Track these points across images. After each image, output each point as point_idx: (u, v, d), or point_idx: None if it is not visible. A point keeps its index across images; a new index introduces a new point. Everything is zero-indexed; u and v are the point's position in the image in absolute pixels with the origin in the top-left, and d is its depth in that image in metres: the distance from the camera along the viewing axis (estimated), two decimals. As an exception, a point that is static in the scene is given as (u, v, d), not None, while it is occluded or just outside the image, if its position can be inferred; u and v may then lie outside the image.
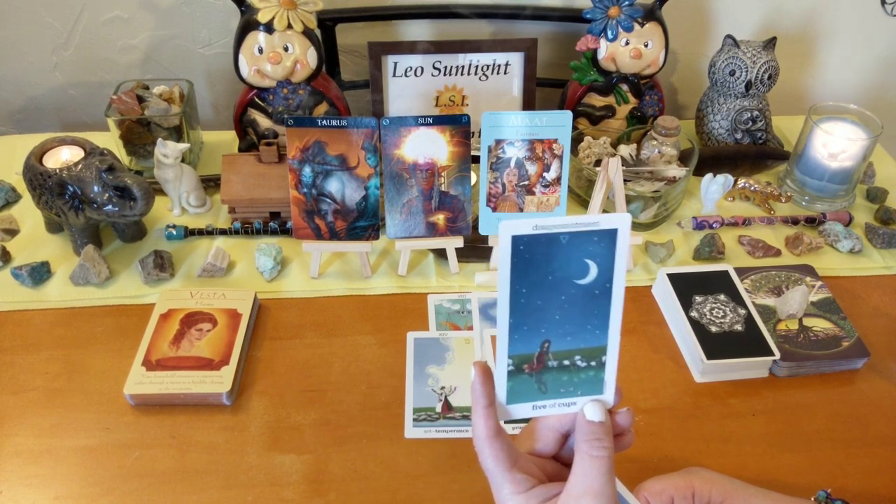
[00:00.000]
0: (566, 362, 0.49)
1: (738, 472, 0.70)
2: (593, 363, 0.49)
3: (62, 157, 0.89)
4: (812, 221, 1.01)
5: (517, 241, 0.45)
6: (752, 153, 1.10)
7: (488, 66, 1.09)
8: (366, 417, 0.75)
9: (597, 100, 1.09)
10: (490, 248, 0.91)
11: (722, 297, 0.86)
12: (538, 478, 0.48)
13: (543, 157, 0.87)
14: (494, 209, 0.89)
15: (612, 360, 0.49)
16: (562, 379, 0.49)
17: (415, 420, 0.75)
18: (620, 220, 0.46)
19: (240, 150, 1.07)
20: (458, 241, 0.90)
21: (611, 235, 0.46)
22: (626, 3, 1.01)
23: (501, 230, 0.44)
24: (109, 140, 1.00)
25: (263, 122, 1.04)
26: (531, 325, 0.48)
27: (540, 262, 0.46)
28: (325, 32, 1.07)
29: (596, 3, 1.02)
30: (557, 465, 0.51)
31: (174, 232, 0.95)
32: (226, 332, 0.81)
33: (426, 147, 0.86)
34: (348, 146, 0.86)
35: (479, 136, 0.86)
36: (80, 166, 0.85)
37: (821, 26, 1.22)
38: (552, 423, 0.51)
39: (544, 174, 0.88)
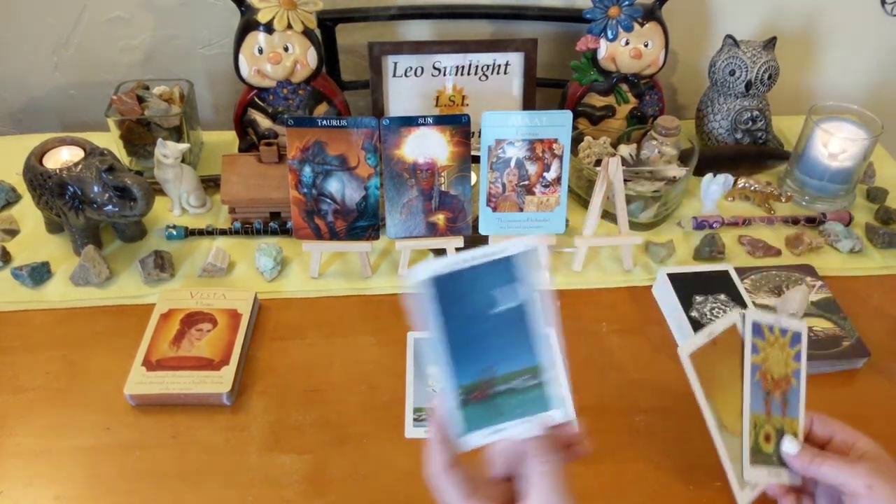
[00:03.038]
0: (511, 385, 0.50)
1: (739, 472, 0.70)
2: (537, 381, 0.51)
3: (62, 158, 0.89)
4: (812, 221, 1.01)
5: (431, 283, 0.47)
6: (752, 153, 1.10)
7: (488, 67, 1.09)
8: (366, 417, 0.75)
9: (597, 100, 1.09)
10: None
11: (722, 297, 0.86)
12: (500, 501, 0.49)
13: (543, 156, 0.87)
14: (494, 209, 0.89)
15: (555, 374, 0.51)
16: (511, 401, 0.50)
17: (415, 420, 0.75)
18: (524, 244, 0.48)
19: (240, 150, 1.07)
20: (459, 241, 0.90)
21: (519, 260, 0.49)
22: (626, 2, 1.01)
23: (413, 276, 0.47)
24: (110, 140, 1.00)
25: (263, 122, 1.04)
26: (468, 356, 0.49)
27: (458, 297, 0.48)
28: (325, 32, 1.07)
29: (596, 3, 1.02)
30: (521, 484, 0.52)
31: (174, 232, 0.95)
32: (226, 332, 0.81)
33: (426, 147, 0.86)
34: (348, 146, 0.86)
35: (479, 136, 0.86)
36: (80, 166, 0.85)
37: (821, 26, 1.22)
38: (499, 446, 0.51)
39: (544, 174, 0.88)
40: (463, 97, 1.11)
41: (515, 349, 0.50)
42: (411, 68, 1.07)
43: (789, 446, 0.61)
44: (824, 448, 0.62)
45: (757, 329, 0.64)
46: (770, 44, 1.06)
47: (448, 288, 0.48)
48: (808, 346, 0.81)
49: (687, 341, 0.62)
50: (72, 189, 0.85)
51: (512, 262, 0.49)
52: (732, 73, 1.06)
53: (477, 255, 0.48)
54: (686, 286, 0.87)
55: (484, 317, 0.49)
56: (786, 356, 0.65)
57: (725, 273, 0.89)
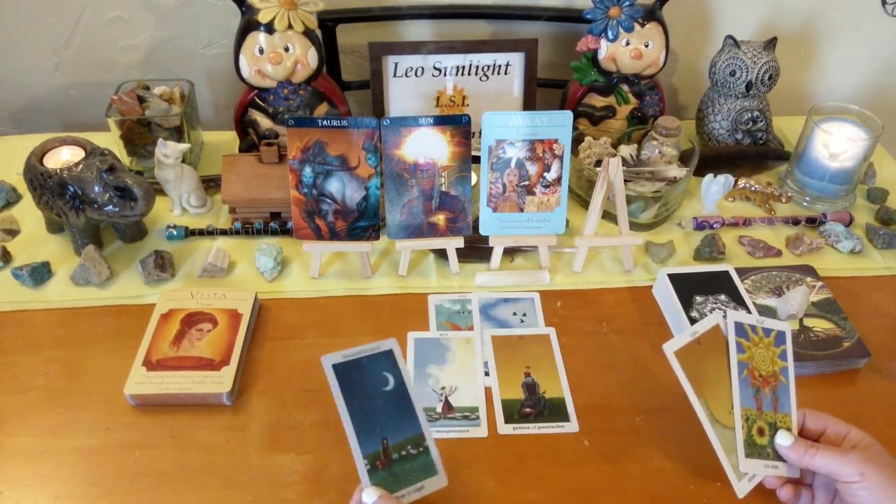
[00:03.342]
0: (403, 452, 0.63)
1: (739, 473, 0.70)
2: (421, 449, 0.64)
3: (63, 158, 0.89)
4: (812, 222, 1.01)
5: (336, 368, 0.63)
6: (752, 153, 1.10)
7: (489, 67, 1.09)
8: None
9: (597, 100, 1.09)
10: (490, 249, 0.91)
11: (722, 297, 0.86)
12: None
13: (544, 157, 0.87)
14: (495, 209, 0.89)
15: (432, 444, 0.64)
16: (406, 468, 0.63)
17: (415, 420, 0.76)
18: (391, 343, 0.66)
19: (240, 150, 1.07)
20: (459, 242, 0.90)
21: (390, 353, 0.66)
22: (627, 3, 1.01)
23: (324, 363, 0.62)
24: (110, 140, 1.00)
25: (264, 122, 1.04)
26: (370, 429, 0.63)
27: (356, 379, 0.64)
28: (325, 33, 1.07)
29: (597, 3, 1.02)
30: None
31: (175, 232, 0.95)
32: (226, 332, 0.81)
33: (427, 147, 0.86)
34: (349, 146, 0.86)
35: (480, 137, 0.86)
36: (80, 166, 0.85)
37: (821, 26, 1.22)
38: None
39: (545, 174, 0.88)
40: (463, 97, 1.11)
41: (400, 421, 0.64)
42: (412, 68, 1.07)
43: (783, 439, 0.64)
44: (817, 441, 0.64)
45: (740, 329, 0.67)
46: (770, 44, 1.06)
47: (347, 372, 0.64)
48: (808, 347, 0.82)
49: (672, 339, 0.65)
50: (72, 189, 0.85)
51: (386, 355, 0.66)
52: (733, 73, 1.06)
53: (363, 350, 0.65)
54: (686, 286, 0.87)
55: (375, 396, 0.64)
56: (771, 355, 0.67)
57: (726, 273, 0.89)
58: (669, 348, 0.66)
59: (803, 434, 0.65)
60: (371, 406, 0.64)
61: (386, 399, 0.65)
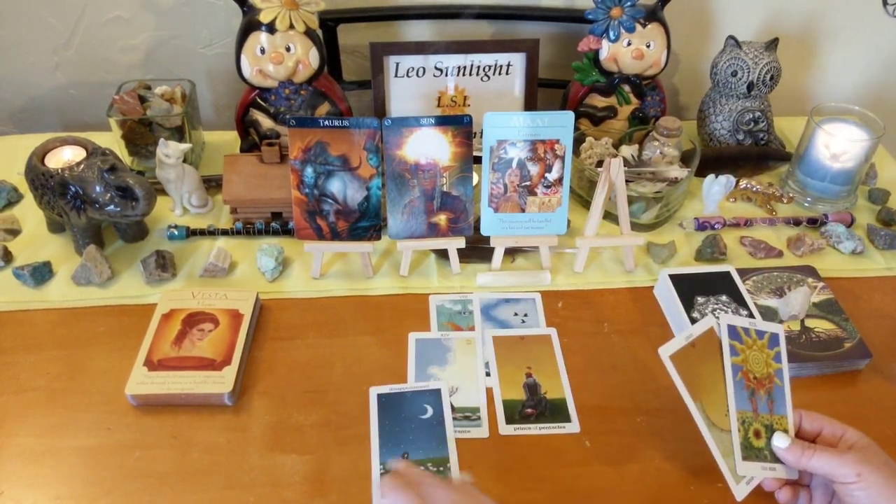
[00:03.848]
0: (422, 468, 0.66)
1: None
2: (441, 469, 0.69)
3: (64, 157, 0.89)
4: (814, 222, 1.00)
5: (379, 396, 0.76)
6: (753, 154, 1.10)
7: (490, 67, 1.09)
8: (367, 418, 0.75)
9: (598, 100, 1.09)
10: (492, 249, 0.91)
11: (724, 298, 0.86)
12: None
13: (545, 157, 0.87)
14: (496, 210, 0.89)
15: (455, 468, 0.70)
16: None
17: (416, 421, 0.77)
18: (441, 384, 0.77)
19: (241, 150, 1.07)
20: (460, 242, 0.90)
21: (437, 392, 0.76)
22: (629, 3, 1.01)
23: (371, 393, 0.76)
24: (111, 140, 1.00)
25: (265, 122, 1.04)
26: (394, 442, 0.72)
27: (395, 405, 0.75)
28: (326, 33, 1.07)
29: (598, 3, 1.02)
30: None
31: (176, 232, 0.95)
32: (227, 332, 0.81)
33: (428, 147, 0.86)
34: (350, 146, 0.86)
35: (481, 137, 0.86)
36: (81, 166, 0.85)
37: (823, 27, 1.22)
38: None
39: (546, 175, 0.88)
40: (465, 98, 1.11)
41: (427, 443, 0.72)
42: (413, 69, 1.07)
43: (779, 441, 0.64)
44: (814, 442, 0.64)
45: (733, 332, 0.67)
46: (772, 45, 1.06)
47: (389, 400, 0.75)
48: (810, 348, 0.82)
49: (667, 343, 0.66)
50: (73, 189, 0.85)
51: (432, 392, 0.76)
52: (734, 73, 1.06)
53: (413, 386, 0.77)
54: (688, 287, 0.87)
55: (408, 420, 0.74)
56: (765, 357, 0.68)
57: (727, 274, 0.89)
58: (665, 352, 0.66)
59: (800, 435, 0.65)
60: (402, 426, 0.73)
61: (419, 424, 0.73)
